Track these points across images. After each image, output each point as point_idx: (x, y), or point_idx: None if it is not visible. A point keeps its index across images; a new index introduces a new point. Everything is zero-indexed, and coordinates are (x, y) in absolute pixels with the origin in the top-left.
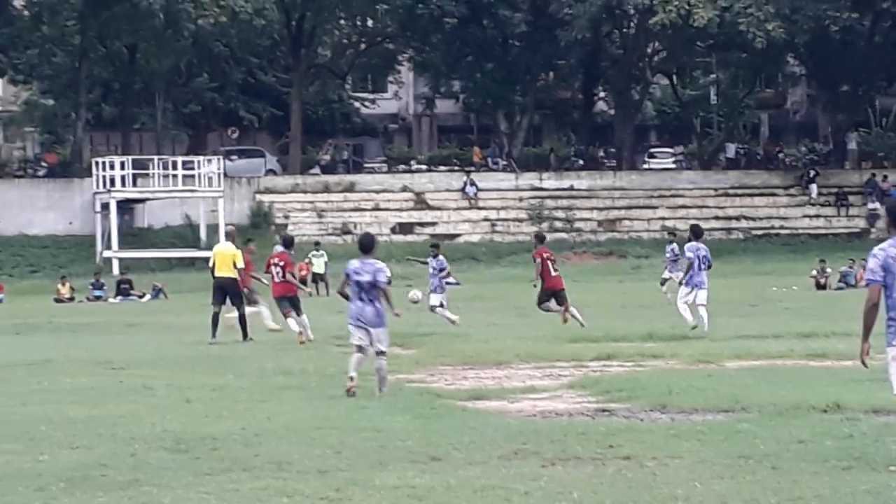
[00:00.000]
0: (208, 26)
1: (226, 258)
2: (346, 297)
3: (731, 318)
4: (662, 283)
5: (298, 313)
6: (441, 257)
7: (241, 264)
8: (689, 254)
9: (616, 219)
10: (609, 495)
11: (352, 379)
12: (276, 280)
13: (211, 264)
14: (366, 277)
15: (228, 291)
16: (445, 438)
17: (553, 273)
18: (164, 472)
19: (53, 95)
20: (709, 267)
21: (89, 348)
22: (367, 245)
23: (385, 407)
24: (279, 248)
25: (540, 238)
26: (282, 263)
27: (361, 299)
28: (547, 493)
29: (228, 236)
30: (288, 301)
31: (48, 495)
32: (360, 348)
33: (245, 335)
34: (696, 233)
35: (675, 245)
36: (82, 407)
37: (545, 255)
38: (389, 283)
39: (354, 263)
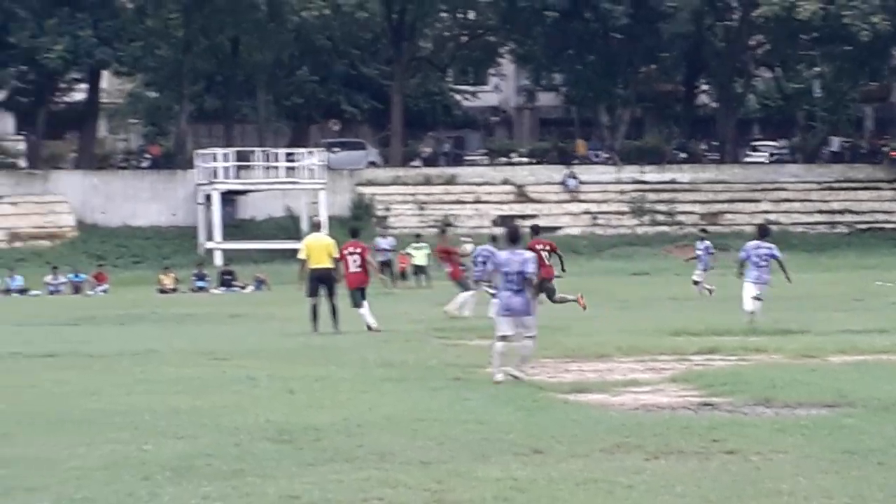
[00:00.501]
0: (312, 19)
1: (321, 249)
2: (488, 285)
3: (835, 313)
4: (696, 283)
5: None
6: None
7: (335, 254)
8: (741, 253)
9: (718, 212)
10: (713, 489)
11: (499, 382)
12: (353, 269)
13: (304, 256)
14: (514, 268)
15: (326, 282)
16: (547, 431)
17: (546, 264)
18: (267, 462)
19: (157, 88)
20: (775, 261)
21: (193, 339)
22: (514, 236)
23: (487, 399)
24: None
25: (535, 230)
26: (358, 251)
27: (509, 289)
28: (650, 486)
29: (317, 227)
30: (361, 292)
31: (153, 484)
32: (505, 338)
33: (336, 326)
34: (763, 232)
35: (708, 243)
36: (186, 397)
37: (538, 247)
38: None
39: (502, 254)
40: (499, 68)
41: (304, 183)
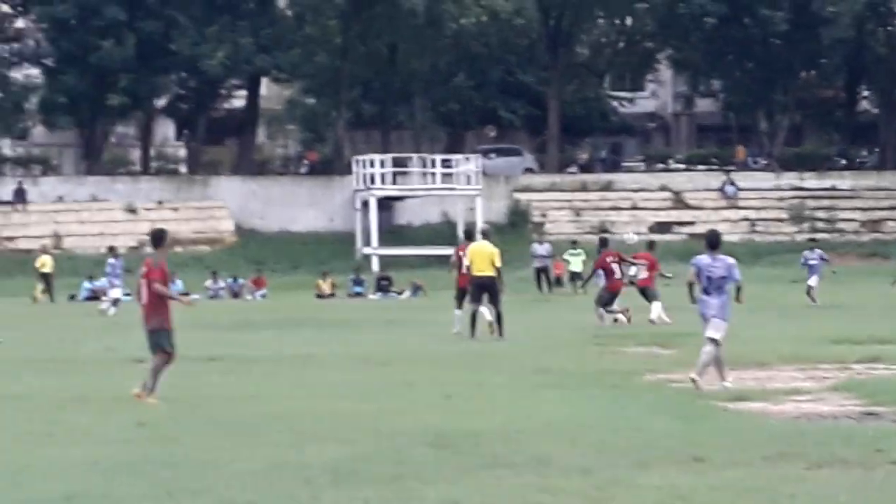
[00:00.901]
0: (469, 26)
1: (484, 257)
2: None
3: None
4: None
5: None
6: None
7: (499, 263)
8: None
9: (880, 220)
10: (878, 501)
11: (694, 381)
12: (465, 271)
13: (468, 263)
14: (718, 272)
15: (488, 290)
16: (707, 439)
17: (616, 276)
18: (427, 467)
19: (315, 94)
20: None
21: (351, 344)
22: (715, 241)
23: (646, 407)
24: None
25: (603, 242)
26: (617, 259)
27: (708, 293)
28: (813, 496)
29: (485, 235)
30: (462, 292)
31: (315, 488)
32: (714, 340)
33: (501, 333)
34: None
35: (820, 251)
36: (346, 401)
37: (609, 259)
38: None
39: (705, 259)
40: (656, 74)
41: (461, 189)
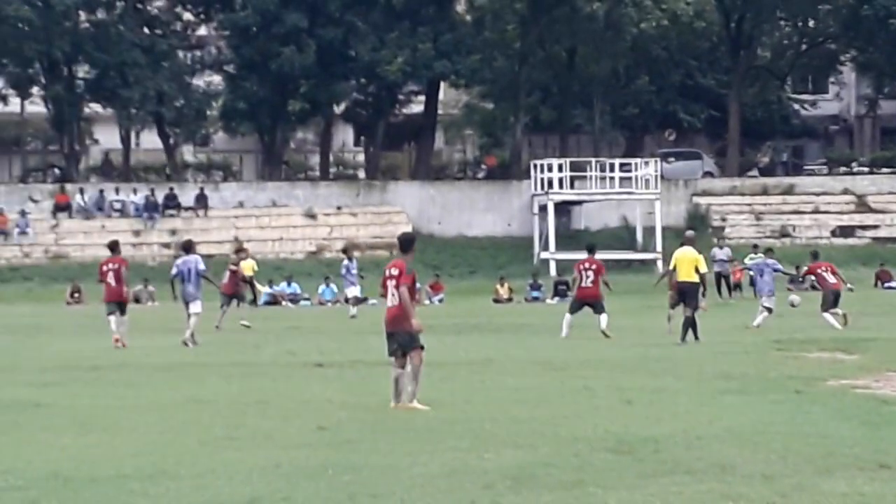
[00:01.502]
0: (650, 30)
1: (689, 262)
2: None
3: None
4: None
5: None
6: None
7: (703, 269)
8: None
9: None
10: None
11: None
12: (587, 284)
13: (672, 267)
14: None
15: (687, 295)
16: (894, 446)
17: (587, 284)
18: (607, 472)
19: (493, 99)
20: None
21: (529, 348)
22: None
23: (830, 413)
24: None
25: (590, 248)
26: (594, 267)
27: None
28: None
29: (689, 241)
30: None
31: (495, 493)
32: None
33: (696, 336)
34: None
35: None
36: (525, 406)
37: (584, 266)
38: None
39: None
40: (839, 76)
41: (640, 193)
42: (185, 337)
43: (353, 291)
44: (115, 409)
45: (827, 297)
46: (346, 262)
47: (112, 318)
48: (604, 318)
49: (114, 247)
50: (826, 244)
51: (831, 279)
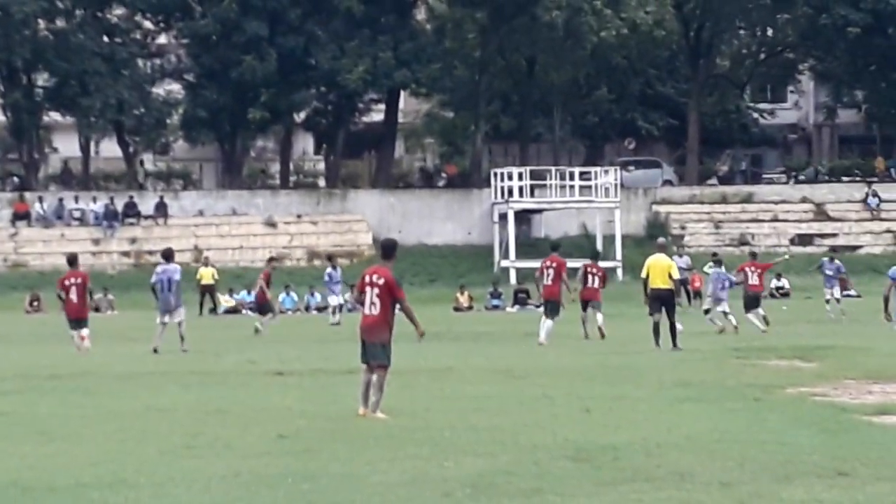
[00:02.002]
0: (610, 38)
1: (663, 269)
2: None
3: None
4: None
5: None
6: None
7: (676, 275)
8: None
9: None
10: None
11: None
12: (547, 283)
13: (645, 275)
14: None
15: (666, 302)
16: (852, 453)
17: (547, 282)
18: (566, 480)
19: (453, 108)
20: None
21: (489, 357)
22: None
23: (788, 420)
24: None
25: (554, 247)
26: (554, 265)
27: None
28: None
29: (662, 248)
30: (548, 304)
31: (454, 501)
32: None
33: (675, 344)
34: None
35: (839, 263)
36: (484, 414)
37: (547, 264)
38: None
39: None
40: (798, 85)
41: (599, 202)
42: (182, 348)
43: (335, 300)
44: (74, 417)
45: (748, 297)
46: (329, 270)
47: (75, 333)
48: (549, 324)
49: (73, 260)
50: (785, 252)
51: (754, 280)
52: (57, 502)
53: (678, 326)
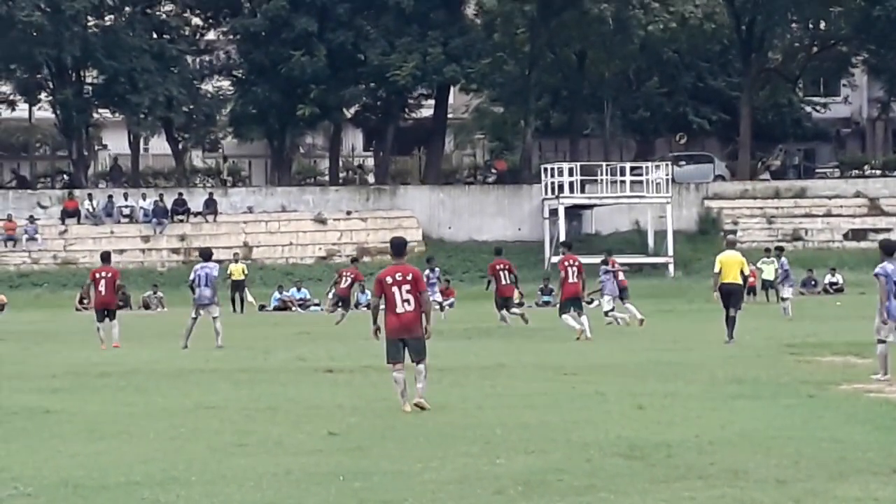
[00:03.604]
0: (658, 32)
1: (735, 265)
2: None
3: None
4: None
5: (579, 313)
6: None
7: (747, 271)
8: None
9: None
10: None
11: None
12: (571, 280)
13: (717, 269)
14: None
15: (734, 296)
16: None
17: (503, 282)
18: (619, 478)
19: (503, 103)
20: None
21: (540, 353)
22: (892, 248)
23: (843, 417)
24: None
25: (497, 251)
26: (577, 265)
27: (893, 297)
28: None
29: (732, 244)
30: (573, 302)
31: (507, 499)
32: (885, 342)
33: (732, 335)
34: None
35: (784, 260)
36: (536, 412)
37: (498, 267)
38: None
39: (889, 266)
40: (851, 79)
41: (650, 197)
42: (218, 343)
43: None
44: (124, 415)
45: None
46: (427, 271)
47: (101, 326)
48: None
49: (106, 257)
50: (838, 247)
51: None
52: (107, 500)
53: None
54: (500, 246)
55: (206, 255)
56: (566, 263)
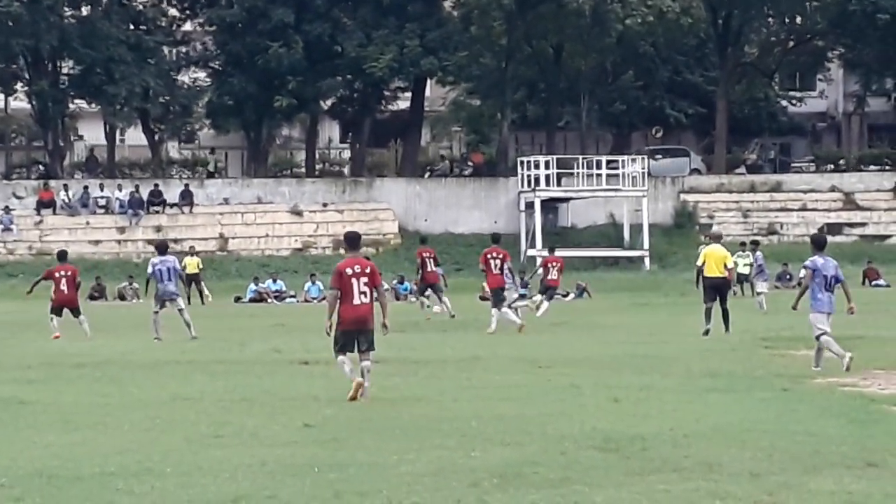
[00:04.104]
0: (636, 26)
1: (719, 259)
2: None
3: None
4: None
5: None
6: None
7: (730, 264)
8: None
9: None
10: None
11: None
12: (494, 272)
13: (700, 263)
14: (830, 272)
15: (721, 290)
16: (881, 444)
17: (429, 269)
18: (594, 470)
19: (480, 96)
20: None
21: (516, 346)
22: (821, 243)
23: (817, 410)
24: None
25: (422, 240)
26: (500, 256)
27: (825, 290)
28: None
29: (717, 237)
30: (500, 292)
31: (481, 491)
32: (826, 333)
33: (728, 329)
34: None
35: (759, 254)
36: (512, 404)
37: (424, 255)
38: None
39: (819, 261)
40: (827, 73)
41: (627, 190)
42: (192, 335)
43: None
44: (99, 406)
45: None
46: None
47: (57, 320)
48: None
49: (62, 255)
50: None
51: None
52: (82, 491)
53: None
54: (498, 234)
55: (161, 248)
56: (489, 256)
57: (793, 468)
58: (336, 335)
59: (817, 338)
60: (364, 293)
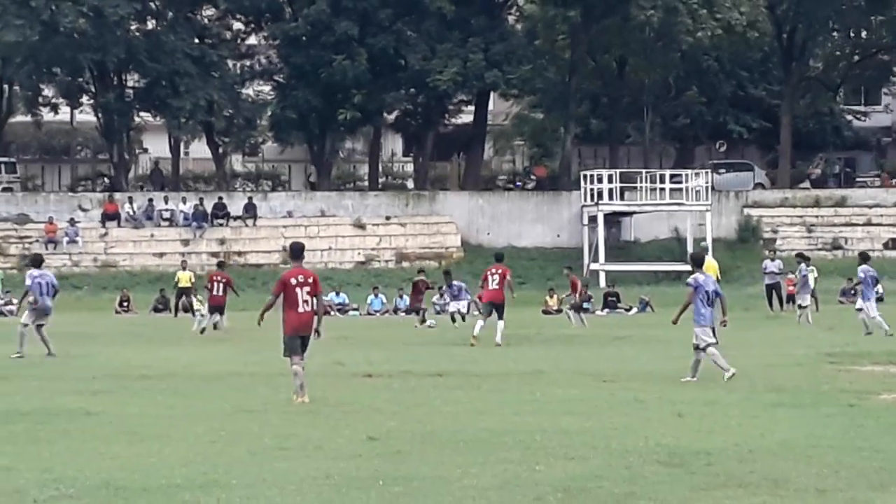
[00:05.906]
0: (705, 39)
1: (708, 270)
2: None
3: None
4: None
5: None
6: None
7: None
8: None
9: None
10: None
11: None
12: (492, 287)
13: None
14: (711, 288)
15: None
16: None
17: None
18: (659, 485)
19: (543, 109)
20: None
21: (579, 360)
22: (701, 260)
23: (883, 427)
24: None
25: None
26: (500, 272)
27: (707, 305)
28: None
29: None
30: (493, 307)
31: None
32: (714, 345)
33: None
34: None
35: (802, 265)
36: (575, 418)
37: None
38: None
39: (700, 277)
40: (892, 87)
41: (690, 205)
42: (49, 352)
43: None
44: (164, 418)
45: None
46: (454, 283)
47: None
48: (500, 325)
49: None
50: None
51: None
52: (149, 503)
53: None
54: (500, 252)
55: (37, 261)
56: (489, 273)
57: (859, 484)
58: (284, 340)
59: (702, 349)
60: (307, 301)
